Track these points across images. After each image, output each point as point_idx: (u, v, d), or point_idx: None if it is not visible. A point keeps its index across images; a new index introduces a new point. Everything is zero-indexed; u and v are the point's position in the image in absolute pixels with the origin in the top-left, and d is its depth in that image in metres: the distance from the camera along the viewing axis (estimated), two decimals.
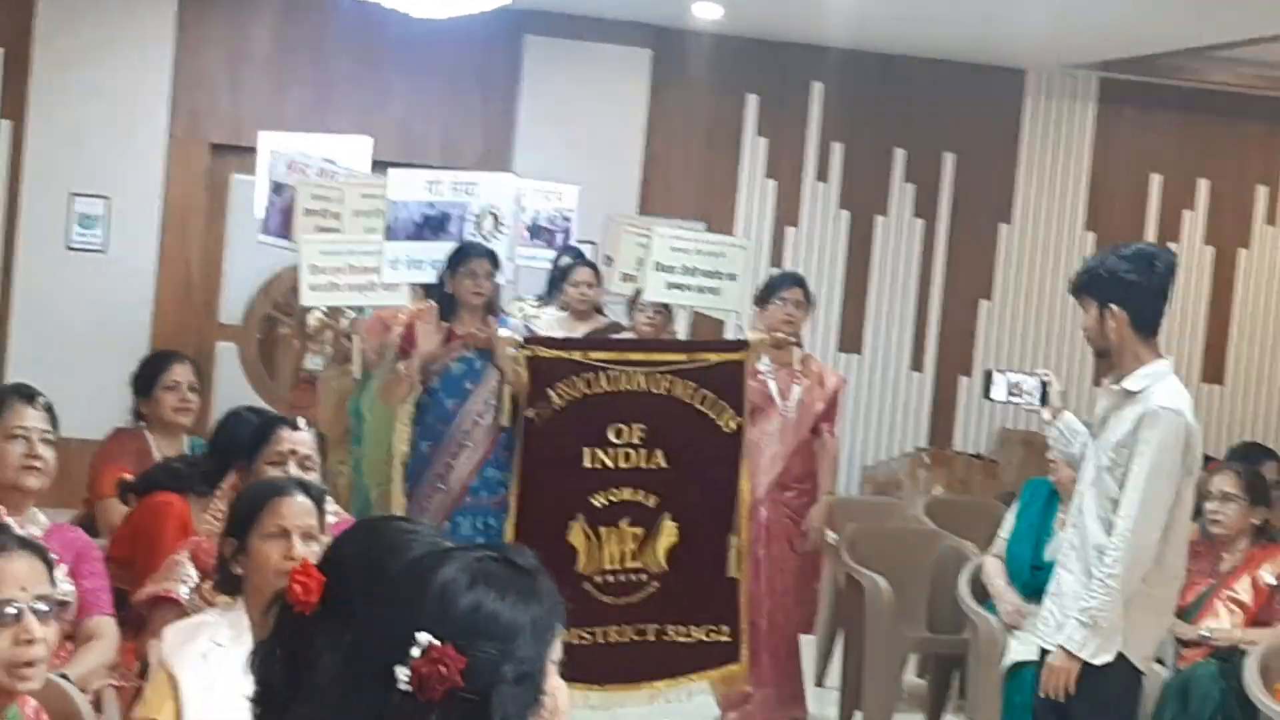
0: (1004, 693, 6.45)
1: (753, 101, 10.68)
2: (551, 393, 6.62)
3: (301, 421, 5.05)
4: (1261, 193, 10.99)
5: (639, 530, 6.73)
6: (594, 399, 6.68)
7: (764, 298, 7.38)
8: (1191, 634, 6.34)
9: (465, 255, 6.94)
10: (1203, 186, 10.97)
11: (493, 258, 7.00)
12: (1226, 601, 6.43)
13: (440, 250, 7.12)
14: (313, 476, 4.79)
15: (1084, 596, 4.90)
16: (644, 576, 6.75)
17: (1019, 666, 6.41)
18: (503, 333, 6.84)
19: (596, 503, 6.67)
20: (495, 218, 7.34)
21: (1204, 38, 9.47)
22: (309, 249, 7.35)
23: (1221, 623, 6.38)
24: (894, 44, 10.46)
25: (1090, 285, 4.94)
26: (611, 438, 6.69)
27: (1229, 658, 6.11)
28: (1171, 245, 10.91)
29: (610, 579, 6.72)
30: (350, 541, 3.19)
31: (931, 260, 10.83)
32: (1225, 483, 6.55)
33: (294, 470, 4.74)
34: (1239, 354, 10.95)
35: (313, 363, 8.25)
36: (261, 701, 2.49)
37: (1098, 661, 4.86)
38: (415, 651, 2.04)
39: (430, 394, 6.87)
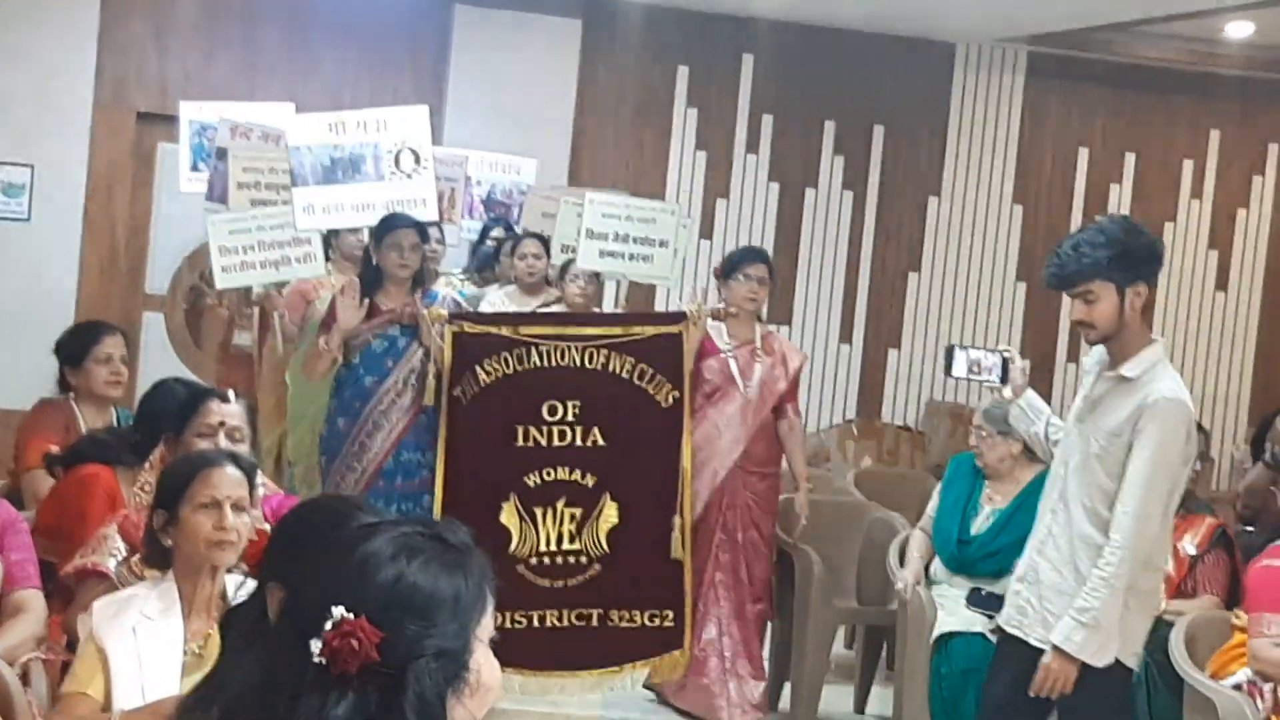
0: (932, 663, 6.49)
1: (683, 73, 10.68)
2: (479, 369, 6.44)
3: (230, 393, 5.02)
4: (1188, 167, 11.08)
5: (577, 511, 6.54)
6: (526, 375, 6.49)
7: (727, 273, 7.18)
8: None
9: (390, 226, 6.68)
10: (1130, 161, 11.05)
11: (420, 229, 6.75)
12: None
13: (357, 194, 6.93)
14: (242, 448, 4.76)
15: (1082, 596, 4.67)
16: (584, 559, 6.58)
17: (947, 637, 6.47)
18: (431, 308, 6.57)
19: (530, 482, 6.50)
20: (415, 154, 7.04)
21: (1131, 12, 9.54)
22: (216, 230, 7.15)
23: None
24: (824, 16, 10.47)
25: (1116, 266, 4.56)
26: (545, 415, 6.50)
27: (1154, 629, 6.15)
28: (1099, 219, 10.98)
29: (547, 561, 6.55)
30: (293, 518, 3.18)
31: (861, 233, 10.87)
32: None
33: (224, 442, 4.71)
34: (1166, 324, 11.04)
35: (241, 338, 8.05)
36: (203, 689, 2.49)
37: (1099, 663, 4.69)
38: (328, 625, 2.02)
39: (350, 369, 6.66)
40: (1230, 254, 11.09)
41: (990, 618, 6.69)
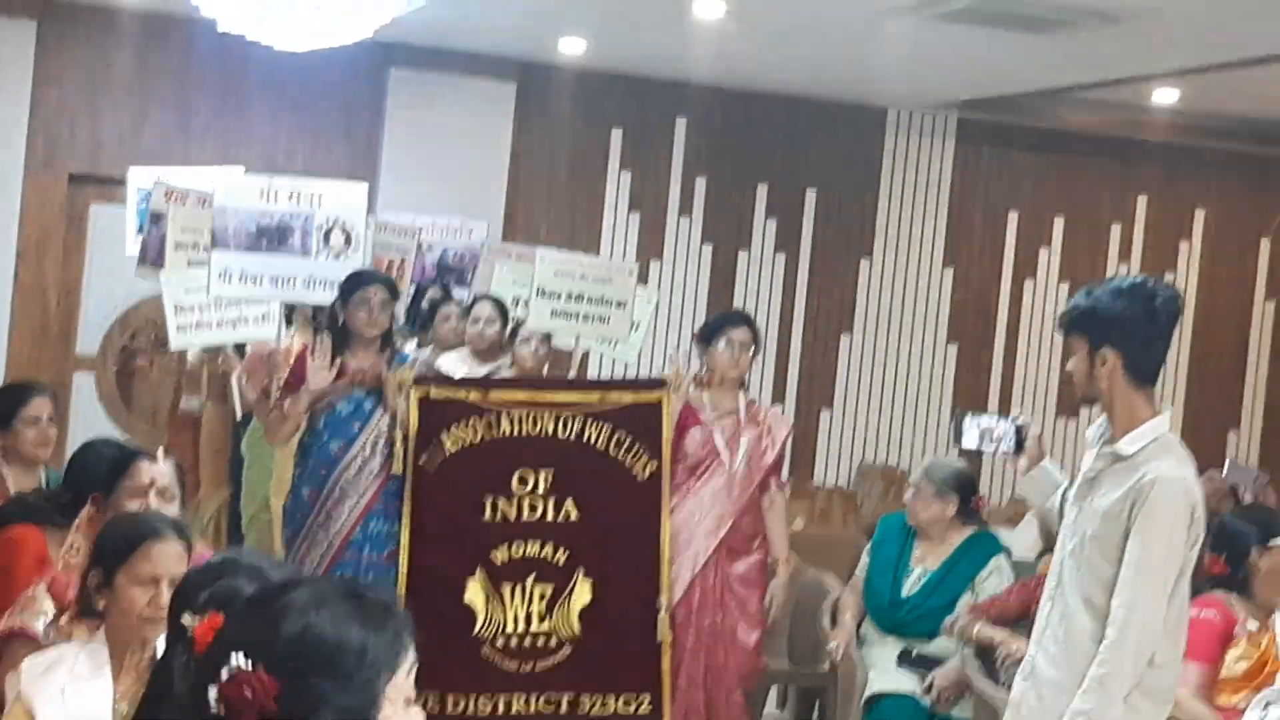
0: None
1: (617, 135, 10.74)
2: (444, 437, 6.14)
3: (160, 452, 5.00)
4: (1115, 231, 11.22)
5: (547, 589, 6.19)
6: (495, 444, 6.15)
7: (707, 338, 6.78)
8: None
9: (359, 283, 6.38)
10: (1059, 224, 11.18)
11: (390, 286, 6.46)
12: None
13: (278, 266, 6.61)
14: (172, 508, 4.74)
15: (1078, 697, 4.27)
16: (554, 640, 6.22)
17: (877, 698, 6.49)
18: (397, 371, 6.27)
19: (498, 558, 6.16)
20: (345, 233, 6.71)
21: (1059, 79, 9.67)
22: (171, 288, 7.00)
23: None
24: (757, 81, 10.56)
25: (1081, 323, 4.30)
26: (515, 486, 6.17)
27: None
28: (1028, 281, 11.10)
29: (515, 643, 6.18)
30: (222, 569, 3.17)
31: (794, 294, 10.94)
32: None
33: (154, 502, 4.69)
34: None
35: (189, 403, 7.84)
36: None
37: None
38: (224, 673, 2.03)
39: (314, 435, 6.30)
40: None
41: (921, 678, 6.73)
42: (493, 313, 8.01)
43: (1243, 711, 5.60)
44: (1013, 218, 11.14)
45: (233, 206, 6.66)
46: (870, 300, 11.01)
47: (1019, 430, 4.72)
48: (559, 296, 7.31)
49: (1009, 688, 6.36)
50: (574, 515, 6.22)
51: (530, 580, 6.19)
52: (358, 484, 6.24)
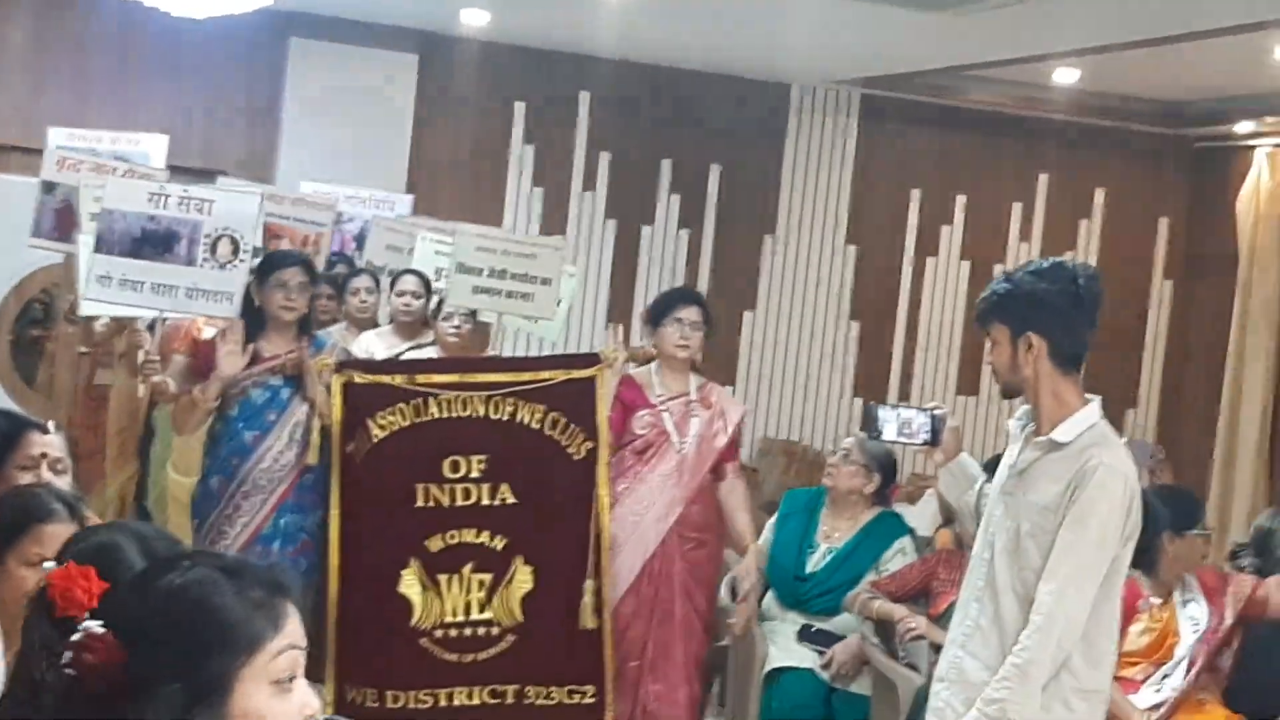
0: (762, 699, 6.54)
1: (520, 109, 10.72)
2: (371, 423, 5.88)
3: (51, 424, 4.94)
4: (1016, 209, 11.32)
5: (486, 577, 5.95)
6: (424, 428, 5.90)
7: (656, 317, 6.54)
8: (945, 639, 6.48)
9: (275, 264, 6.18)
10: (960, 202, 11.27)
11: (308, 267, 6.26)
12: None
13: (159, 274, 6.33)
14: (64, 480, 4.69)
15: (991, 685, 4.05)
16: (495, 630, 5.98)
17: (777, 673, 6.53)
18: (317, 357, 6.02)
19: (433, 546, 5.93)
20: (234, 242, 6.43)
21: (961, 57, 9.74)
22: (88, 254, 6.67)
23: None
24: (661, 55, 10.57)
25: (1001, 308, 4.12)
26: (447, 472, 5.93)
27: None
28: (930, 260, 11.18)
29: (454, 633, 5.95)
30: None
31: (697, 270, 10.97)
32: None
33: (45, 474, 4.63)
34: None
35: (103, 376, 7.63)
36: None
37: None
38: (75, 635, 2.02)
39: (226, 423, 6.06)
40: None
41: (821, 653, 6.77)
42: (418, 287, 7.84)
43: (1141, 683, 5.70)
44: (915, 195, 11.22)
45: (119, 209, 6.42)
46: (773, 277, 11.07)
47: (934, 421, 4.56)
48: (480, 272, 7.10)
49: (908, 663, 6.45)
50: (510, 500, 5.97)
51: (468, 569, 5.96)
52: (271, 476, 6.01)
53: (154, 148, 8.26)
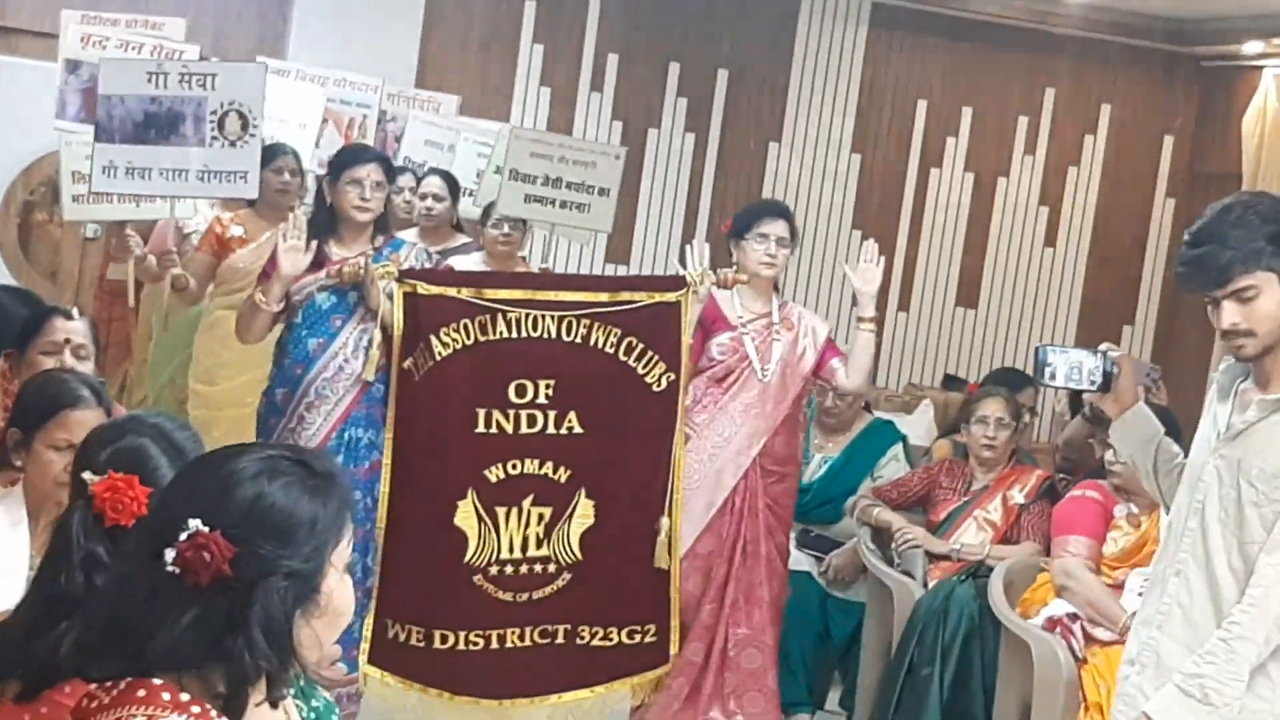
0: None
1: (530, 8, 10.78)
2: (434, 339, 5.43)
3: (75, 310, 5.05)
4: (1022, 123, 11.42)
5: (546, 511, 5.57)
6: (490, 347, 5.46)
7: (739, 231, 6.19)
8: (943, 549, 6.67)
9: (349, 160, 5.85)
10: (967, 114, 11.36)
11: (385, 163, 5.92)
12: (978, 519, 6.74)
13: (168, 157, 6.20)
14: (87, 366, 4.82)
15: (1193, 659, 3.70)
16: (553, 567, 5.62)
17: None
18: (382, 264, 5.60)
19: (492, 477, 5.51)
20: (243, 117, 6.28)
21: None
22: (72, 153, 6.65)
23: (972, 539, 6.70)
24: None
25: (1269, 253, 3.61)
26: (512, 396, 5.49)
27: (978, 573, 6.45)
28: (934, 170, 11.27)
29: (510, 570, 5.57)
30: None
31: (701, 175, 11.08)
32: (996, 408, 6.88)
33: (69, 359, 4.77)
34: (994, 280, 11.38)
35: (116, 271, 7.41)
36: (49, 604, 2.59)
37: None
38: (183, 536, 2.16)
39: (292, 330, 5.81)
40: (1060, 211, 11.46)
41: (819, 559, 6.93)
42: (442, 189, 7.59)
43: (1121, 587, 5.90)
44: (921, 106, 11.31)
45: (117, 95, 6.23)
46: (778, 184, 11.17)
47: (1107, 363, 4.16)
48: (534, 180, 6.81)
49: (903, 571, 6.62)
50: (577, 429, 5.57)
51: (527, 502, 5.57)
52: (335, 387, 5.78)
53: (174, 32, 8.06)
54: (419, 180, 7.72)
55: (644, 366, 5.59)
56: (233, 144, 6.22)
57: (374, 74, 9.19)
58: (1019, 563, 6.43)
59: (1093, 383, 4.17)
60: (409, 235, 7.17)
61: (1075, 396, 8.43)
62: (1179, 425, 6.51)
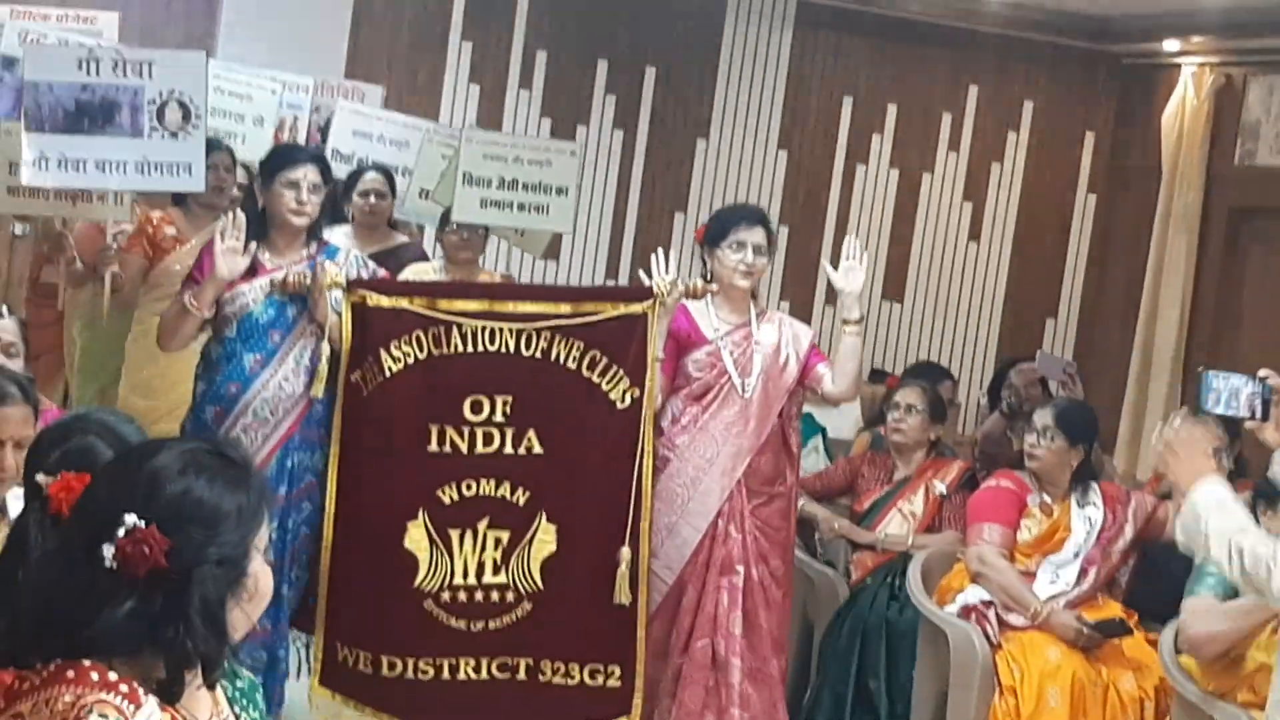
0: None
1: (459, 5, 10.89)
2: (384, 353, 5.21)
3: (4, 308, 5.11)
4: (946, 119, 11.61)
5: (503, 534, 5.33)
6: (444, 362, 5.24)
7: (714, 238, 5.86)
8: (868, 539, 6.84)
9: (287, 160, 5.56)
10: (891, 111, 11.53)
11: (323, 165, 5.66)
12: (902, 510, 6.91)
13: (104, 148, 5.88)
14: (16, 364, 4.89)
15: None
16: (511, 595, 5.38)
17: None
18: (327, 267, 5.35)
19: (445, 498, 5.31)
20: (184, 108, 6.00)
21: None
22: (10, 142, 6.21)
23: (896, 530, 6.86)
24: None
25: None
26: (468, 413, 5.28)
27: (902, 563, 6.62)
28: (860, 166, 11.43)
29: (464, 597, 5.36)
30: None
31: (630, 172, 11.21)
32: (910, 396, 7.06)
33: None
34: (919, 274, 11.55)
35: (50, 274, 7.23)
36: None
37: None
38: (121, 531, 2.26)
39: (225, 344, 5.46)
40: (984, 206, 11.65)
41: None
42: (383, 185, 7.47)
43: (1033, 574, 6.12)
44: (847, 103, 11.48)
45: (45, 81, 5.87)
46: (705, 180, 11.33)
47: (1266, 391, 4.12)
48: (489, 183, 6.63)
49: (826, 561, 6.79)
50: (537, 448, 5.33)
51: (483, 525, 5.34)
52: (275, 408, 5.42)
53: (107, 26, 7.89)
54: (352, 176, 7.62)
55: (608, 382, 5.37)
56: (174, 135, 5.97)
57: (302, 70, 9.26)
58: (936, 551, 6.61)
59: (1252, 411, 4.15)
60: (340, 233, 7.05)
61: (994, 390, 8.66)
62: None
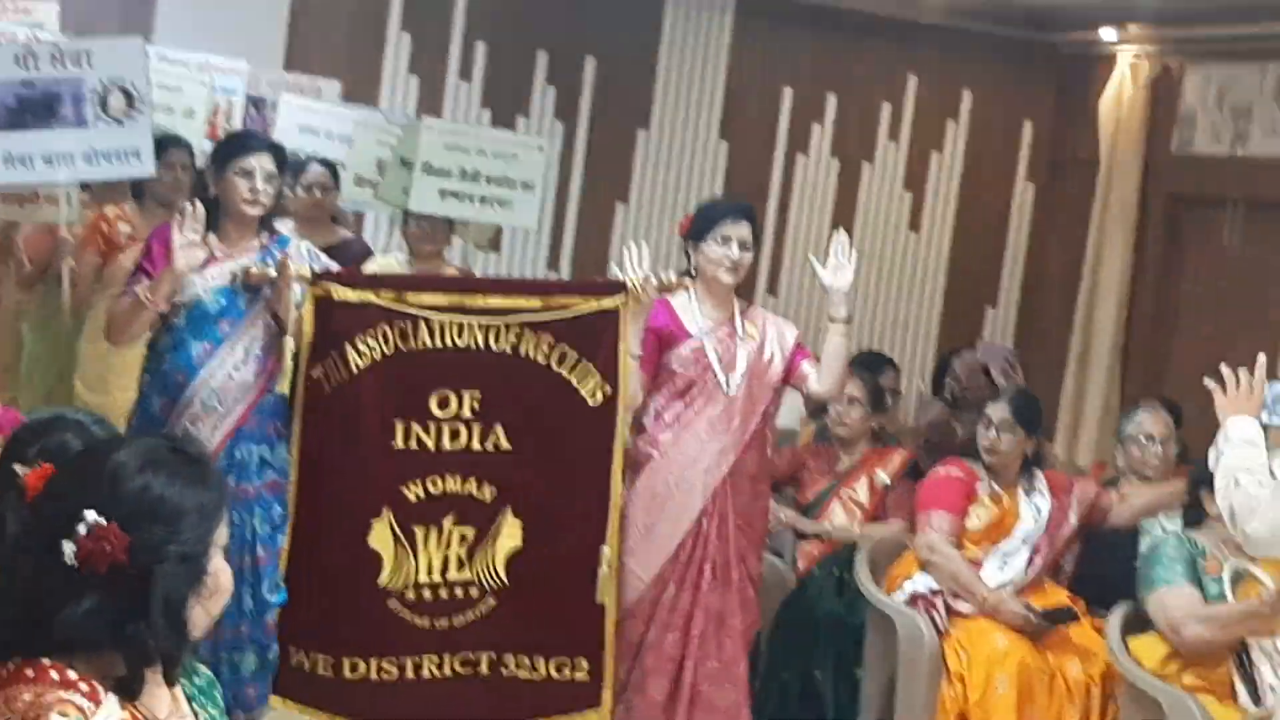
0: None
1: None
2: (349, 348, 5.10)
3: None
4: (885, 109, 11.65)
5: (469, 531, 5.29)
6: (410, 357, 5.15)
7: (698, 232, 5.78)
8: (815, 529, 6.88)
9: (241, 148, 5.46)
10: (831, 101, 11.57)
11: (278, 153, 5.55)
12: (845, 501, 6.95)
13: (50, 142, 5.81)
14: None
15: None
16: (475, 591, 5.33)
17: None
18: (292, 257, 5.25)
19: (411, 495, 5.23)
20: (127, 94, 5.92)
21: None
22: None
23: (840, 520, 6.91)
24: None
25: None
26: (434, 409, 5.21)
27: (848, 553, 6.67)
28: (800, 157, 11.47)
29: (428, 595, 5.29)
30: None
31: (571, 163, 11.20)
32: (851, 388, 7.09)
33: None
34: (860, 264, 11.50)
35: None
36: None
37: None
38: (81, 528, 2.25)
39: (172, 333, 5.35)
40: (924, 195, 11.71)
41: None
42: (327, 178, 7.45)
43: (981, 563, 6.18)
44: (787, 94, 11.50)
45: None
46: (646, 171, 11.36)
47: None
48: (449, 174, 6.60)
49: (773, 550, 6.82)
50: (505, 445, 5.28)
51: (448, 522, 5.29)
52: (224, 397, 5.31)
53: (47, 17, 7.82)
54: (300, 168, 7.54)
55: (578, 379, 5.34)
56: (119, 122, 5.90)
57: (240, 58, 9.20)
58: (884, 540, 6.67)
59: None
60: (283, 228, 6.74)
61: (937, 379, 8.72)
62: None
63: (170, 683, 2.40)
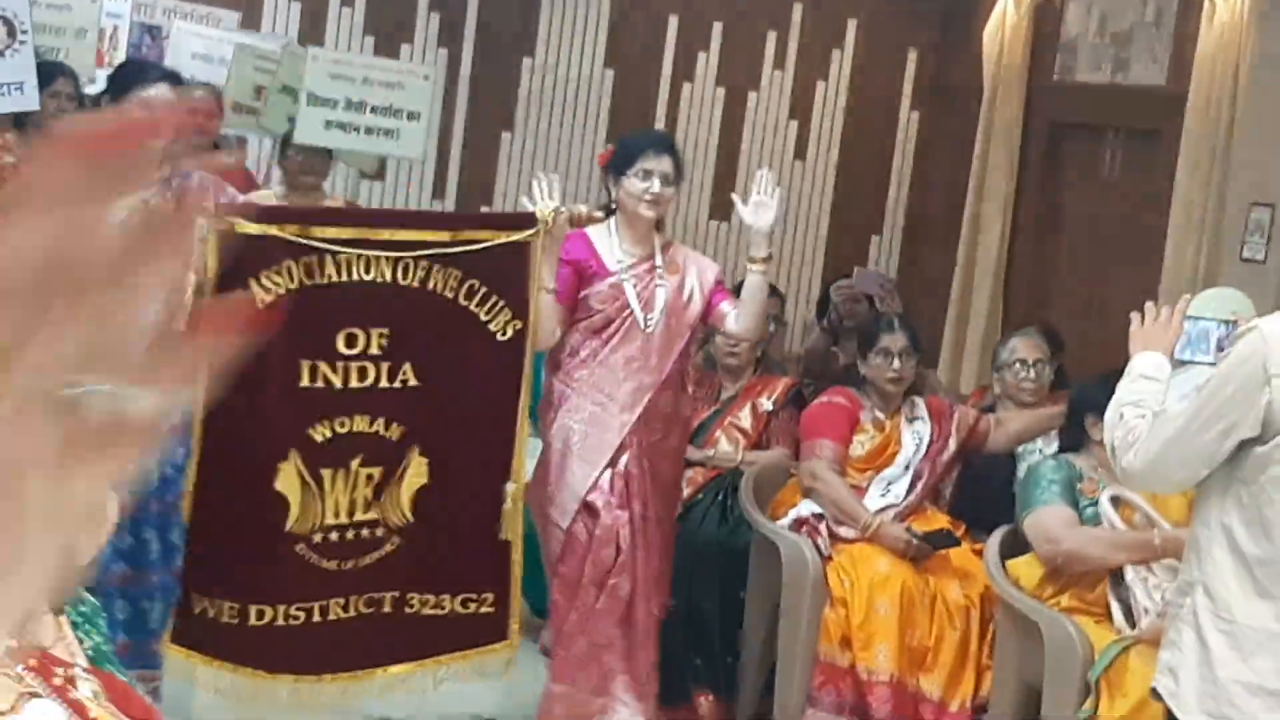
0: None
1: None
2: (255, 284, 4.90)
3: None
4: (771, 38, 11.68)
5: (375, 471, 5.18)
6: (316, 293, 4.98)
7: (619, 165, 5.66)
8: (698, 456, 6.94)
9: (138, 77, 5.28)
10: (717, 29, 11.58)
11: (176, 81, 5.43)
12: (729, 428, 7.02)
13: None
14: None
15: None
16: (381, 531, 5.24)
17: None
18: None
19: (318, 436, 5.09)
20: (8, 24, 5.77)
21: None
22: None
23: (725, 447, 6.98)
24: None
25: None
26: (342, 347, 5.07)
27: (732, 480, 6.75)
28: (686, 85, 11.48)
29: (335, 537, 5.18)
30: None
31: (455, 90, 11.15)
32: None
33: None
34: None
35: None
36: None
37: None
38: None
39: None
40: (809, 124, 11.76)
41: None
42: (211, 105, 7.10)
43: (865, 489, 6.29)
44: (673, 21, 11.50)
45: None
46: (532, 99, 11.33)
47: (1225, 329, 4.38)
48: (335, 104, 6.46)
49: None
50: (413, 382, 5.16)
51: (356, 463, 5.17)
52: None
53: None
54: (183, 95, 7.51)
55: (488, 313, 5.25)
56: (1, 54, 5.70)
57: None
58: (768, 467, 6.74)
59: (1206, 350, 4.45)
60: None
61: (821, 307, 8.80)
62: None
63: (56, 611, 2.41)
